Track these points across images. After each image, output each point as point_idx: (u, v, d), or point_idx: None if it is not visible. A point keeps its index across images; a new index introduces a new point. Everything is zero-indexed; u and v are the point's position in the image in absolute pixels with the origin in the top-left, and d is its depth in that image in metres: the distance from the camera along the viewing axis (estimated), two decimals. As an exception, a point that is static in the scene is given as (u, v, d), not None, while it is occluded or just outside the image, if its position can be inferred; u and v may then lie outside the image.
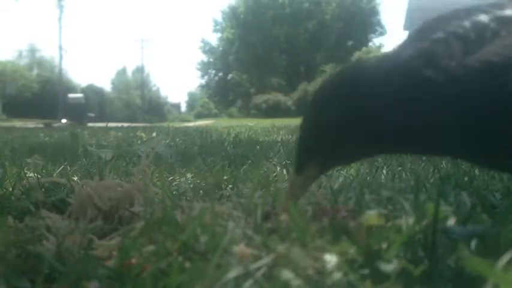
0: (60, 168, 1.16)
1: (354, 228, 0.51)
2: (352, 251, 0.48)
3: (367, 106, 0.57)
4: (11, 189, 0.88)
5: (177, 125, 7.70)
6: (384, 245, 0.49)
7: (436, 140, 0.56)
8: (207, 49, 37.65)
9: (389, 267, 0.45)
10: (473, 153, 0.57)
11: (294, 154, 0.64)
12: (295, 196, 0.62)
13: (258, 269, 0.45)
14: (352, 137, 0.59)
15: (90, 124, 9.75)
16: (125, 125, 6.50)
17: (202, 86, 40.17)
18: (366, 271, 0.45)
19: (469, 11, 0.56)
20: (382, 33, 34.76)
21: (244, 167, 1.22)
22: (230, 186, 0.96)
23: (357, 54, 20.61)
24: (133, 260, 0.49)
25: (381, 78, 0.56)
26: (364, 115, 0.57)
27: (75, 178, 1.01)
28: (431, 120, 0.54)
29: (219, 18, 35.80)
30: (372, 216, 0.52)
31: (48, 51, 49.37)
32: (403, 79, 0.54)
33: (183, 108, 49.90)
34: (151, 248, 0.51)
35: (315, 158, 0.61)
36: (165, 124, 8.84)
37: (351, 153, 0.63)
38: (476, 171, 1.05)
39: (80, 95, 18.55)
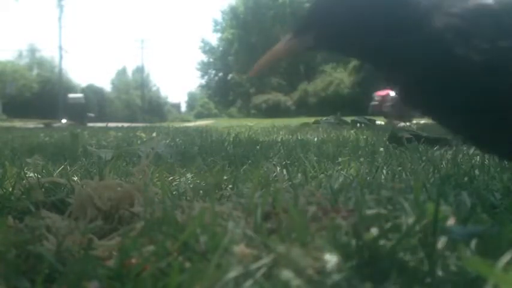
0: (60, 168, 1.16)
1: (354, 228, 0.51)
2: (352, 251, 0.48)
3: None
4: (11, 189, 0.88)
5: (177, 125, 7.68)
6: (384, 245, 0.49)
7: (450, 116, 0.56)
8: (207, 49, 37.73)
9: (389, 267, 0.45)
10: (488, 136, 0.57)
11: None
12: (280, 54, 0.63)
13: (258, 269, 0.45)
14: (357, 32, 0.60)
15: (90, 124, 9.72)
16: (125, 125, 6.48)
17: (202, 86, 40.30)
18: (366, 271, 0.45)
19: None
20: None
21: (244, 167, 1.22)
22: (230, 186, 0.96)
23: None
24: (133, 260, 0.49)
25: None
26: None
27: (75, 178, 1.01)
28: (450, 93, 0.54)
29: (219, 18, 35.94)
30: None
31: (48, 51, 49.53)
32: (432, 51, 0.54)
33: (183, 108, 50.07)
34: (151, 248, 0.51)
35: (314, 27, 0.61)
36: (165, 124, 8.83)
37: (348, 44, 0.62)
38: (477, 171, 1.05)
39: (80, 95, 18.49)
